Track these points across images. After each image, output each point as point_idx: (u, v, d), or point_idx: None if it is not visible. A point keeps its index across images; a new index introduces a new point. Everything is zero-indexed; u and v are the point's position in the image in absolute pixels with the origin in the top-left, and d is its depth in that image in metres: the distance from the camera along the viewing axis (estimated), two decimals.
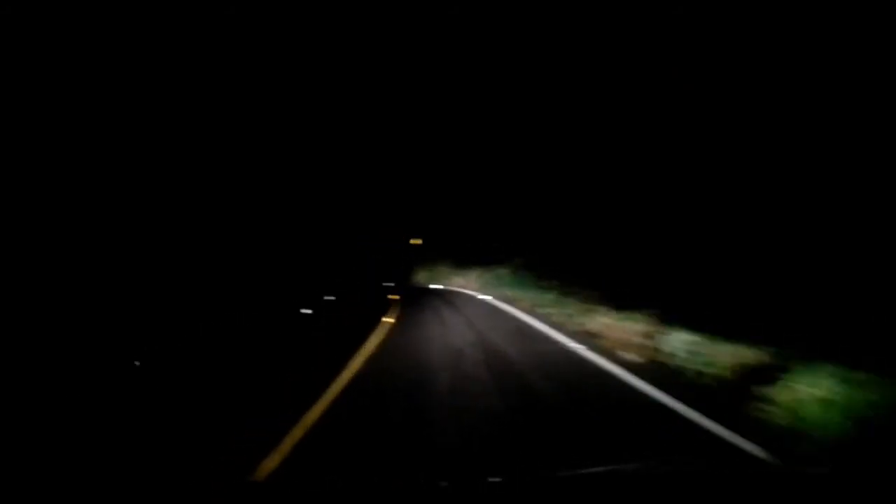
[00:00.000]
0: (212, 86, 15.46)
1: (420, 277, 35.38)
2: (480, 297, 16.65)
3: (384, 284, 35.79)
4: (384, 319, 11.10)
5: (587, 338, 7.27)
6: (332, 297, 22.93)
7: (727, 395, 4.07)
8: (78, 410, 3.94)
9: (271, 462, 2.95)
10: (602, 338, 6.88)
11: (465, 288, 22.65)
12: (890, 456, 2.68)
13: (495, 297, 15.87)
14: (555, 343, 7.35)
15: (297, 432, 3.46)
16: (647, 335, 5.82)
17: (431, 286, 29.00)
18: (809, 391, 3.27)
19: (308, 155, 30.25)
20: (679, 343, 4.96)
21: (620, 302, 7.38)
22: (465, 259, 25.86)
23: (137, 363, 5.59)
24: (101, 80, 10.45)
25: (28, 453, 3.02)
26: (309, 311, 15.57)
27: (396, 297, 20.36)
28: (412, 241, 39.75)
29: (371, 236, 42.91)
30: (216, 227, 16.13)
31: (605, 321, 6.95)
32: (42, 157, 9.01)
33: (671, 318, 5.54)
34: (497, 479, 1.45)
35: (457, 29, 19.63)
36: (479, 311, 11.86)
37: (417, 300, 17.12)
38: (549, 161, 17.56)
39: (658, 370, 5.15)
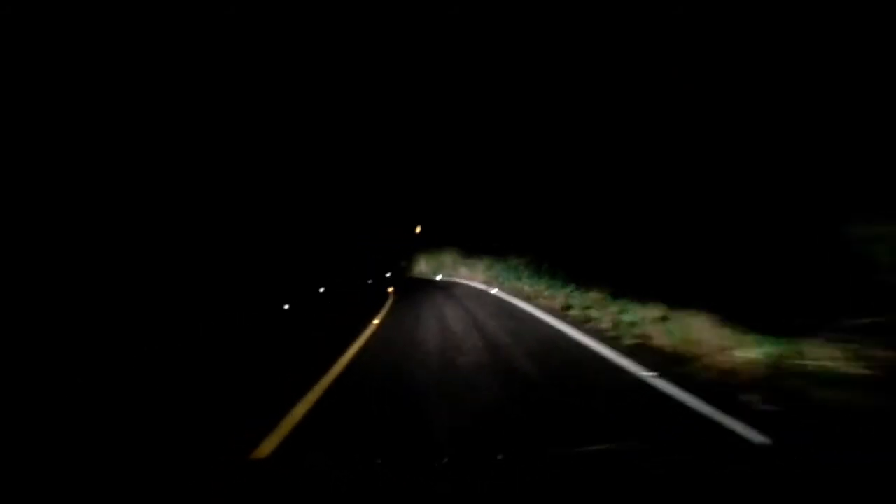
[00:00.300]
0: (212, 86, 15.49)
1: (422, 267, 32.90)
2: (492, 291, 14.11)
3: (383, 276, 33.53)
4: (373, 322, 8.64)
5: (683, 364, 4.69)
6: (322, 289, 20.64)
7: None
8: (78, 404, 4.04)
9: None
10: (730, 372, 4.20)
11: (472, 280, 20.05)
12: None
13: (510, 292, 13.29)
14: (620, 371, 4.76)
15: None
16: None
17: (434, 277, 26.51)
18: None
19: (308, 143, 29.27)
20: None
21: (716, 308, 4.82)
22: (473, 248, 23.29)
23: None
24: (101, 80, 10.35)
25: (28, 448, 2.98)
26: (287, 307, 13.23)
27: (392, 289, 17.97)
28: (415, 230, 37.35)
29: (368, 225, 40.67)
30: (211, 224, 15.55)
31: (747, 354, 4.04)
32: (42, 157, 8.96)
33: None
34: (498, 457, 1.38)
35: (457, 28, 19.11)
36: (492, 313, 9.33)
37: (416, 295, 14.63)
38: (565, 150, 15.55)
39: None
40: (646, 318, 5.40)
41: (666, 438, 2.67)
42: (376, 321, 8.74)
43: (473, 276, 20.74)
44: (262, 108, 21.49)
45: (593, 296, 7.64)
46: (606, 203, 10.56)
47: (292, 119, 26.42)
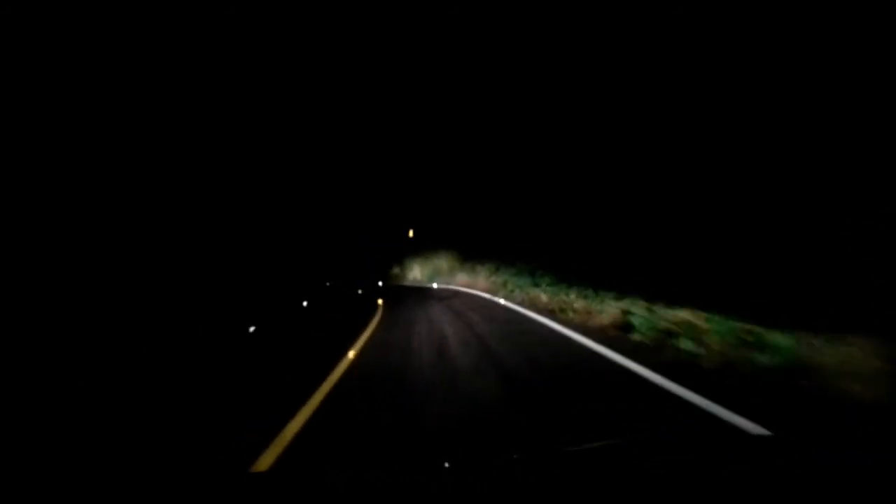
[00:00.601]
0: (212, 86, 15.21)
1: (416, 273, 30.36)
2: (501, 302, 11.56)
3: (374, 285, 31.02)
4: (349, 355, 6.12)
5: None
6: (306, 303, 18.14)
7: None
8: (78, 408, 4.02)
9: None
10: None
11: (473, 287, 17.51)
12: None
13: (525, 304, 10.70)
14: None
15: None
16: None
17: (430, 285, 23.95)
18: None
19: (294, 144, 28.34)
20: None
21: None
22: (473, 251, 20.79)
23: None
24: (101, 80, 10.24)
25: (29, 453, 3.01)
26: (252, 329, 10.69)
27: (381, 301, 15.46)
28: (407, 234, 34.88)
29: (356, 229, 38.34)
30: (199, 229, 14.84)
31: None
32: (42, 158, 8.87)
33: None
34: (500, 458, 1.38)
35: (457, 29, 19.21)
36: (514, 339, 6.84)
37: (410, 308, 12.10)
38: (569, 149, 13.75)
39: None
40: (841, 363, 2.86)
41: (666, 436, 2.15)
42: (352, 353, 6.21)
43: (474, 283, 18.20)
44: (263, 111, 21.30)
45: (671, 314, 5.10)
46: (663, 189, 8.17)
47: (282, 120, 25.50)
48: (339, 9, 20.72)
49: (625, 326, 5.76)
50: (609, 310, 6.65)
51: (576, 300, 8.39)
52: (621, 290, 7.04)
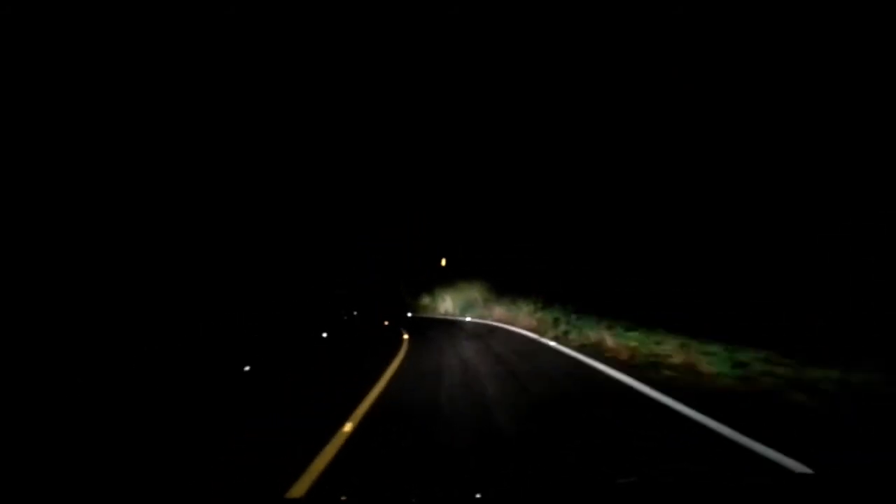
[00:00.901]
0: (212, 86, 15.02)
1: (447, 305, 28.07)
2: (553, 345, 8.95)
3: (403, 315, 28.95)
4: (343, 430, 3.90)
5: None
6: (326, 334, 16.17)
7: None
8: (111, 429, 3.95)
9: None
10: None
11: (512, 324, 15.03)
12: None
13: (583, 351, 8.09)
14: None
15: None
16: None
17: (463, 318, 21.59)
18: None
19: (318, 157, 27.70)
20: None
21: None
22: (509, 284, 18.45)
23: None
24: (101, 80, 10.19)
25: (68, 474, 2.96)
26: (249, 369, 8.77)
27: (407, 335, 13.25)
28: (439, 262, 32.85)
29: (386, 256, 36.64)
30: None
31: None
32: (43, 159, 8.74)
33: None
34: (532, 489, 1.39)
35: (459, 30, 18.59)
36: (585, 405, 4.50)
37: (437, 343, 9.85)
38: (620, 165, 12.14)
39: None
40: None
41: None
42: (347, 427, 3.99)
43: (515, 319, 15.74)
44: (264, 116, 20.42)
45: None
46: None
47: (297, 135, 24.74)
48: (343, 10, 19.95)
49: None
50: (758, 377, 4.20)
51: (673, 352, 5.93)
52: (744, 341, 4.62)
